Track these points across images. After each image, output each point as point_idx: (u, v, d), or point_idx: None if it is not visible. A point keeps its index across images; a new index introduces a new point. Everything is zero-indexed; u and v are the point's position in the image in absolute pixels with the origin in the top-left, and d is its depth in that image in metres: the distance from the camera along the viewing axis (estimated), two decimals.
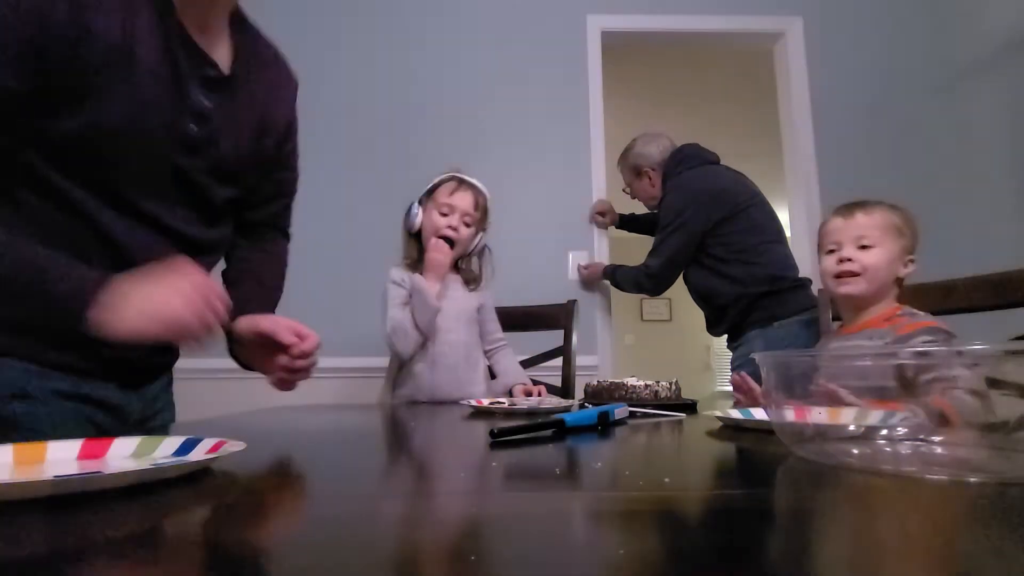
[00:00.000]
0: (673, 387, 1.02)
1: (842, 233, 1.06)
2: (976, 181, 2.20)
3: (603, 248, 2.16)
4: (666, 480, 0.35)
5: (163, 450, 0.45)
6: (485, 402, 0.99)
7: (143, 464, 0.36)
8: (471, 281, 1.42)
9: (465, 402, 1.02)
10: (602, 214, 2.13)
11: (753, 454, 0.49)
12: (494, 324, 1.46)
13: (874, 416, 0.50)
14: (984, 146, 2.20)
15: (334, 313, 2.01)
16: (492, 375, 1.47)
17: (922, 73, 2.30)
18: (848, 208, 1.08)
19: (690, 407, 0.93)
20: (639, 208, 2.14)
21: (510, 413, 0.89)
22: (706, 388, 6.06)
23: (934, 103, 2.28)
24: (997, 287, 1.05)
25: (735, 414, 0.69)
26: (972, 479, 0.34)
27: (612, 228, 2.19)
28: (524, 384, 1.32)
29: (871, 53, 2.31)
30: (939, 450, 0.44)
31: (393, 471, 0.44)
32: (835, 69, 2.28)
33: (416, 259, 1.37)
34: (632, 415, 0.79)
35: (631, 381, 1.02)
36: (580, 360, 1.71)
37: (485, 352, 1.44)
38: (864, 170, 2.21)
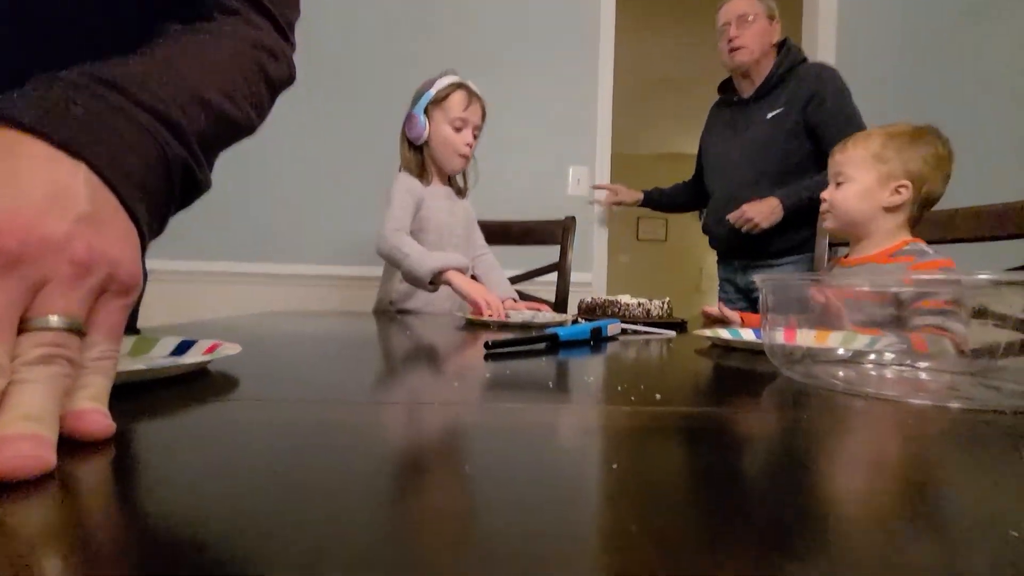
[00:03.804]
0: (665, 306, 1.03)
1: (828, 171, 1.08)
2: (1005, 105, 2.11)
3: (604, 163, 2.10)
4: (658, 396, 0.36)
5: (158, 350, 0.45)
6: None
7: (138, 364, 0.36)
8: (461, 192, 1.41)
9: (459, 313, 1.03)
10: (614, 192, 2.02)
11: (742, 373, 0.50)
12: (479, 232, 1.46)
13: (862, 340, 0.50)
14: (1015, 70, 2.10)
15: (327, 219, 1.99)
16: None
17: None
18: (836, 146, 1.08)
19: (680, 326, 0.95)
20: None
21: (505, 325, 0.90)
22: (696, 308, 6.14)
23: (964, 24, 2.14)
24: (999, 218, 1.04)
25: (724, 334, 0.70)
26: (954, 405, 0.35)
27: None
28: (512, 298, 1.33)
29: None
30: (924, 376, 0.45)
31: (388, 378, 0.45)
32: None
33: (419, 171, 1.32)
34: (624, 332, 0.80)
35: (624, 299, 1.03)
36: (575, 276, 1.72)
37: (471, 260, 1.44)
38: (887, 90, 2.11)
